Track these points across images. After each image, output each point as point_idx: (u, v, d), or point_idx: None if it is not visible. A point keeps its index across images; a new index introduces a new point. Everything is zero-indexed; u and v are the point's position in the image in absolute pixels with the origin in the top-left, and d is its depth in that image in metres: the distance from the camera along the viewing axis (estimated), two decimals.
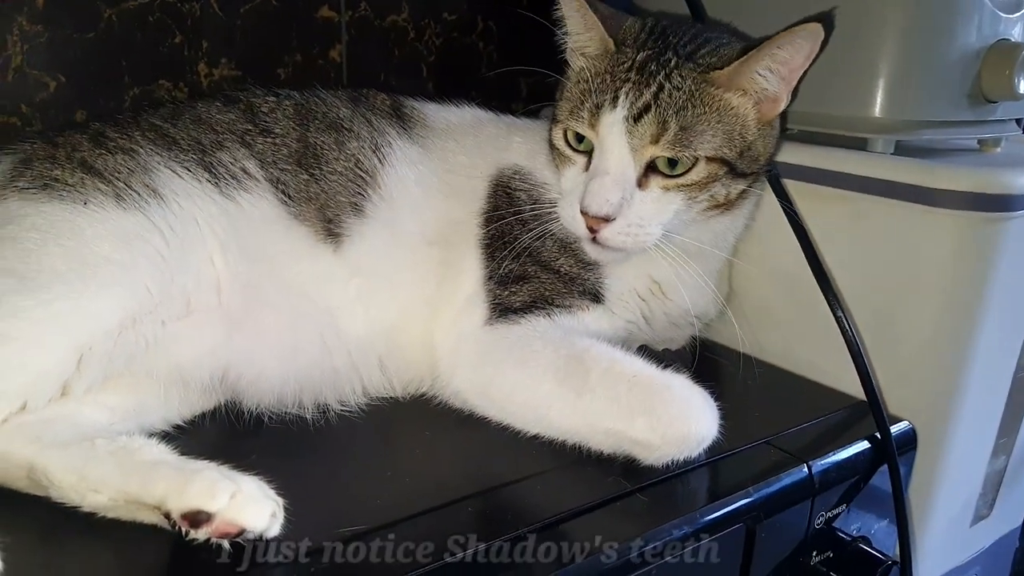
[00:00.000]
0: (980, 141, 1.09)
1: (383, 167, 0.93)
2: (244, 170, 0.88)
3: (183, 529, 0.64)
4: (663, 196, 0.86)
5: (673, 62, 0.85)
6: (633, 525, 0.72)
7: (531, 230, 0.93)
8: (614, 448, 0.80)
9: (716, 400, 0.82)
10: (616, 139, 0.84)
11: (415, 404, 0.92)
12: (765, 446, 0.86)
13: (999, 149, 1.09)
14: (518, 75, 1.34)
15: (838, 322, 0.90)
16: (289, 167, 0.90)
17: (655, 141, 0.83)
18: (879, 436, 0.89)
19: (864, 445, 0.88)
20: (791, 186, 0.98)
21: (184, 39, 1.06)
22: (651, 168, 0.85)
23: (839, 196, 0.96)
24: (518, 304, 0.90)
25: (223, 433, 0.84)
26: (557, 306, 0.90)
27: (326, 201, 0.90)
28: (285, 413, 0.86)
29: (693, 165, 0.85)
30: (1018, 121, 1.10)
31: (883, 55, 0.96)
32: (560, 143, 0.90)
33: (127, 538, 0.67)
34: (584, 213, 0.84)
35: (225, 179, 0.87)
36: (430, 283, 0.92)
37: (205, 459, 0.70)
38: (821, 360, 0.99)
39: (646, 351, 0.94)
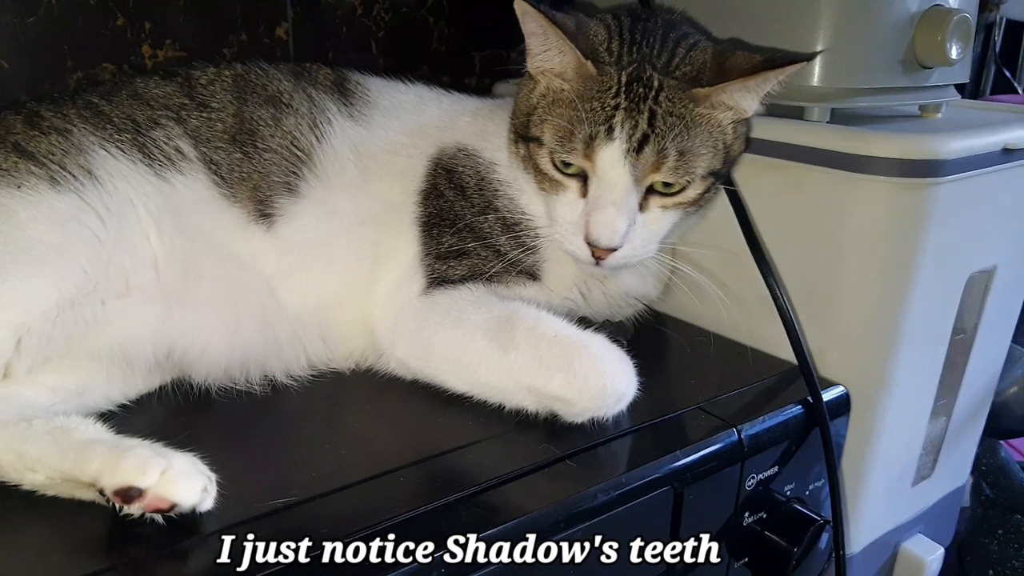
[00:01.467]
0: (921, 107, 1.10)
1: (320, 145, 0.94)
2: (178, 150, 0.89)
3: (117, 505, 0.66)
4: (662, 214, 0.88)
5: (656, 81, 0.85)
6: (561, 489, 0.74)
7: (474, 207, 0.94)
8: (537, 405, 0.83)
9: (656, 368, 0.85)
10: (618, 171, 0.84)
11: (361, 378, 0.93)
12: (697, 411, 0.88)
13: (939, 115, 1.10)
14: (471, 49, 1.34)
15: (769, 288, 0.92)
16: (223, 145, 0.90)
17: (656, 169, 0.85)
18: (811, 400, 0.91)
19: (797, 409, 0.91)
20: None
21: (126, 20, 1.06)
22: (649, 190, 0.87)
23: (774, 165, 0.97)
24: (455, 277, 0.92)
25: (168, 411, 0.86)
26: (494, 281, 0.92)
27: (259, 182, 0.90)
28: (233, 387, 0.87)
29: (690, 183, 0.87)
30: (959, 87, 1.11)
31: (819, 23, 0.97)
32: (548, 168, 0.88)
33: (69, 517, 0.68)
34: (592, 244, 0.86)
35: (159, 160, 0.88)
36: (364, 262, 0.93)
37: (149, 437, 0.72)
38: (760, 327, 1.00)
39: (584, 323, 0.96)
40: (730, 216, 0.96)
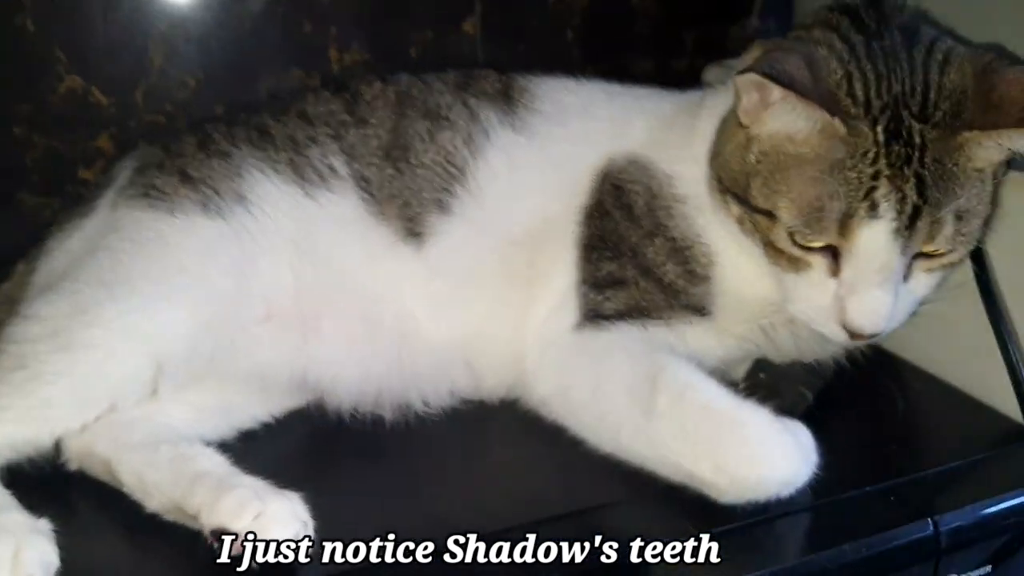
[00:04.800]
0: None
1: (474, 160, 0.87)
2: (331, 167, 0.86)
3: (213, 544, 0.66)
4: (926, 278, 0.75)
5: (919, 136, 0.69)
6: None
7: (641, 228, 0.84)
8: (685, 481, 0.71)
9: (850, 426, 0.76)
10: (886, 253, 0.70)
11: (502, 410, 0.87)
12: (885, 493, 0.72)
13: None
14: (680, 28, 1.20)
15: (998, 338, 0.74)
16: (376, 161, 0.87)
17: (930, 240, 0.71)
18: None
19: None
20: None
21: (312, 27, 1.06)
22: (915, 255, 0.73)
23: None
24: (610, 311, 0.82)
25: (303, 434, 0.85)
26: (653, 319, 0.81)
27: (409, 198, 0.86)
28: (367, 414, 0.84)
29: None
30: None
31: None
32: (785, 245, 0.74)
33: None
34: (853, 332, 0.73)
35: (311, 179, 0.86)
36: (518, 285, 0.86)
37: (275, 464, 0.72)
38: (989, 374, 0.81)
39: (763, 365, 0.82)
40: None
